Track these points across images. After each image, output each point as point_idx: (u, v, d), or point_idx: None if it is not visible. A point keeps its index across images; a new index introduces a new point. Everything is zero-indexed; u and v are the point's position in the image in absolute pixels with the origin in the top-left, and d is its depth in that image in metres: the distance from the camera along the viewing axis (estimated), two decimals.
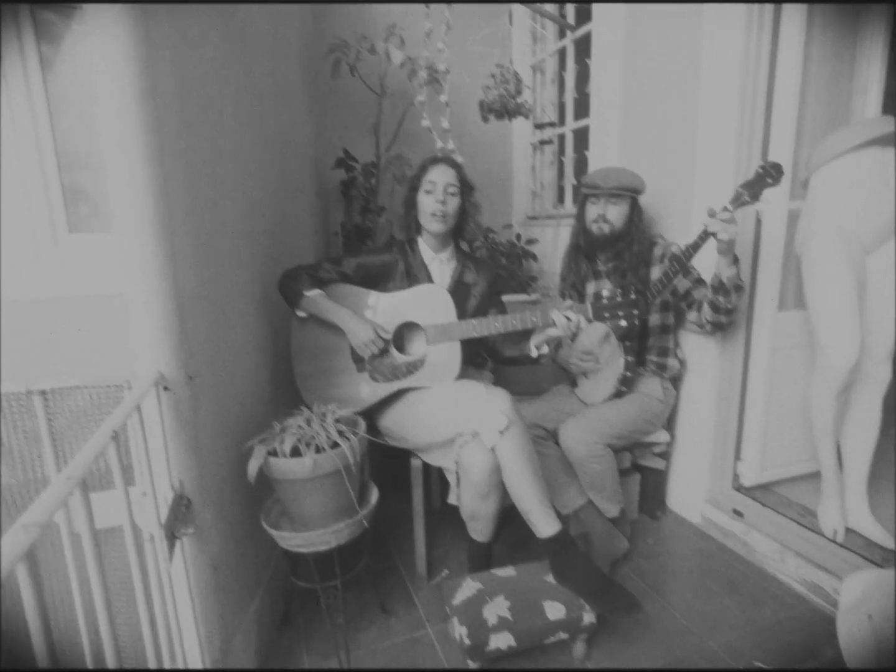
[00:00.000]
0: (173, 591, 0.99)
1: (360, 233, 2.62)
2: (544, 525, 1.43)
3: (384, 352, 1.57)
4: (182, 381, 1.07)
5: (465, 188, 1.62)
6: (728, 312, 1.56)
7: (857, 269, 1.55)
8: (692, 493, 1.98)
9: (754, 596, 1.61)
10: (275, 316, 1.66)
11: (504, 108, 2.01)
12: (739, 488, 1.92)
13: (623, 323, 1.38)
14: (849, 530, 1.67)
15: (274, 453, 1.24)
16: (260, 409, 1.52)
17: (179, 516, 1.03)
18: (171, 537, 0.97)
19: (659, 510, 2.04)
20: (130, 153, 0.96)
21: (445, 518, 1.96)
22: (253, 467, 1.21)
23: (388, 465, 1.87)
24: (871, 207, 1.53)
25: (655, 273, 1.75)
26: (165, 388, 1.04)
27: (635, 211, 1.79)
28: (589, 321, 1.42)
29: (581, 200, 1.86)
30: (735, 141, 1.69)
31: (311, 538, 1.26)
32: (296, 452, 1.24)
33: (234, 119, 1.39)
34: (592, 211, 1.78)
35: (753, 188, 1.39)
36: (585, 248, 1.83)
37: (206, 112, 1.22)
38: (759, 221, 1.75)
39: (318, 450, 1.24)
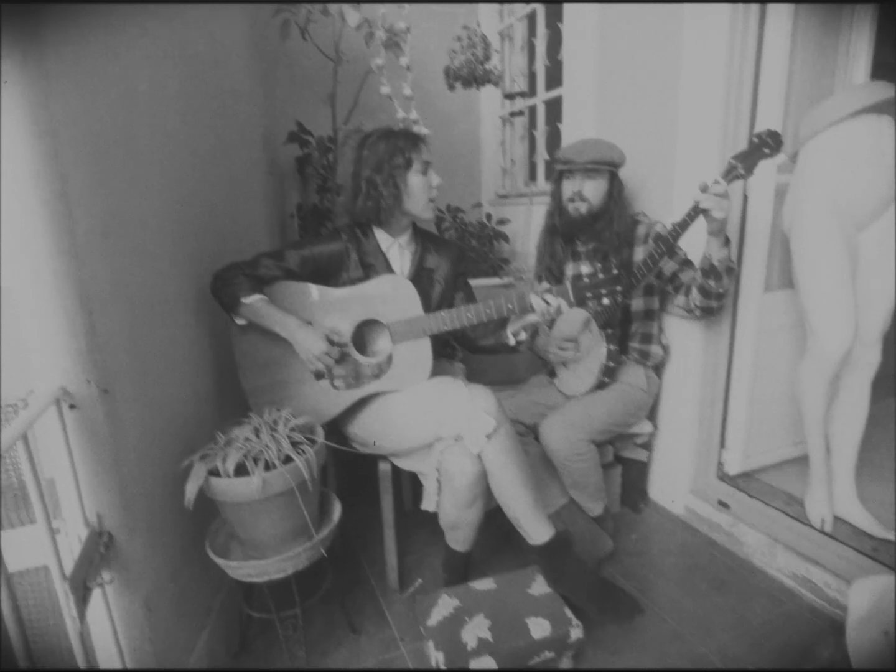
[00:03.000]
0: (88, 650, 0.82)
1: (318, 214, 2.41)
2: (537, 532, 1.32)
3: (344, 356, 1.40)
4: (94, 396, 0.89)
5: None
6: (719, 297, 1.44)
7: (851, 248, 1.45)
8: (675, 484, 1.90)
9: (744, 593, 1.53)
10: (218, 310, 1.46)
11: (472, 75, 1.83)
12: (723, 477, 1.85)
13: (606, 301, 1.25)
14: (836, 519, 1.61)
15: (216, 472, 1.07)
16: (203, 418, 1.34)
17: (96, 560, 0.85)
18: (83, 589, 0.80)
19: (641, 502, 1.96)
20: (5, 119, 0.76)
21: (417, 521, 1.83)
22: (191, 490, 1.04)
23: (354, 466, 1.71)
24: (865, 180, 1.43)
25: (639, 254, 1.62)
26: (72, 406, 0.86)
27: (615, 186, 1.63)
28: (570, 304, 1.28)
29: (556, 177, 1.70)
30: (721, 110, 1.56)
31: (265, 567, 1.10)
32: (243, 469, 1.07)
33: (153, 90, 1.17)
34: (567, 188, 1.63)
35: (748, 160, 1.26)
36: (563, 228, 1.69)
37: (112, 83, 1.01)
38: (745, 197, 1.64)
39: (269, 466, 1.07)
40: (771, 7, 1.51)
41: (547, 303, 1.28)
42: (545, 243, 1.75)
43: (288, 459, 1.09)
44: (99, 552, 0.87)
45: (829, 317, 1.44)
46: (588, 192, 1.60)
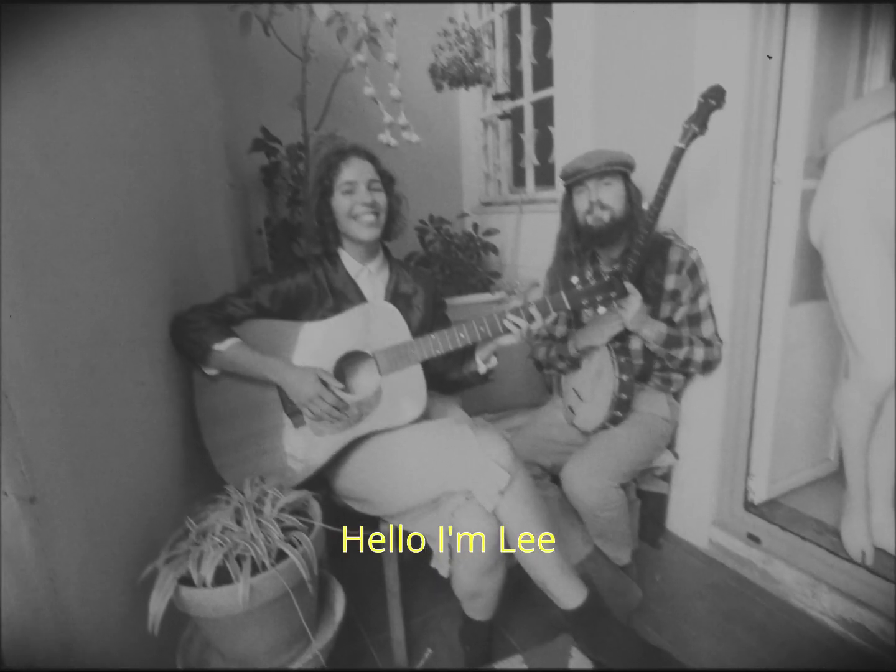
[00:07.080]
0: None
1: (288, 229, 2.18)
2: (568, 595, 1.15)
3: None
4: (14, 511, 0.65)
5: (387, 181, 1.33)
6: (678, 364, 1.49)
7: (894, 260, 1.33)
8: (697, 515, 1.75)
9: (789, 642, 1.39)
10: (184, 358, 1.22)
11: (461, 74, 1.64)
12: (750, 507, 1.71)
13: (602, 310, 1.20)
14: (876, 550, 1.49)
15: (188, 579, 0.84)
16: (169, 497, 1.10)
17: None
18: None
19: (661, 536, 1.81)
20: None
21: (420, 570, 1.59)
22: (156, 607, 0.81)
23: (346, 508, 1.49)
24: None
25: (670, 283, 1.45)
26: None
27: (631, 190, 1.47)
28: (567, 312, 1.26)
29: (564, 197, 1.53)
30: (742, 113, 1.42)
31: None
32: (221, 571, 0.84)
33: (87, 98, 0.93)
34: (582, 200, 1.45)
35: (699, 118, 1.27)
36: (584, 244, 1.51)
37: (31, 95, 0.77)
38: (770, 205, 1.50)
39: (256, 566, 0.85)
40: (794, 7, 1.37)
41: (531, 318, 1.18)
42: (560, 269, 1.57)
43: (280, 555, 0.87)
44: None
45: (877, 340, 1.31)
46: (608, 198, 1.43)
